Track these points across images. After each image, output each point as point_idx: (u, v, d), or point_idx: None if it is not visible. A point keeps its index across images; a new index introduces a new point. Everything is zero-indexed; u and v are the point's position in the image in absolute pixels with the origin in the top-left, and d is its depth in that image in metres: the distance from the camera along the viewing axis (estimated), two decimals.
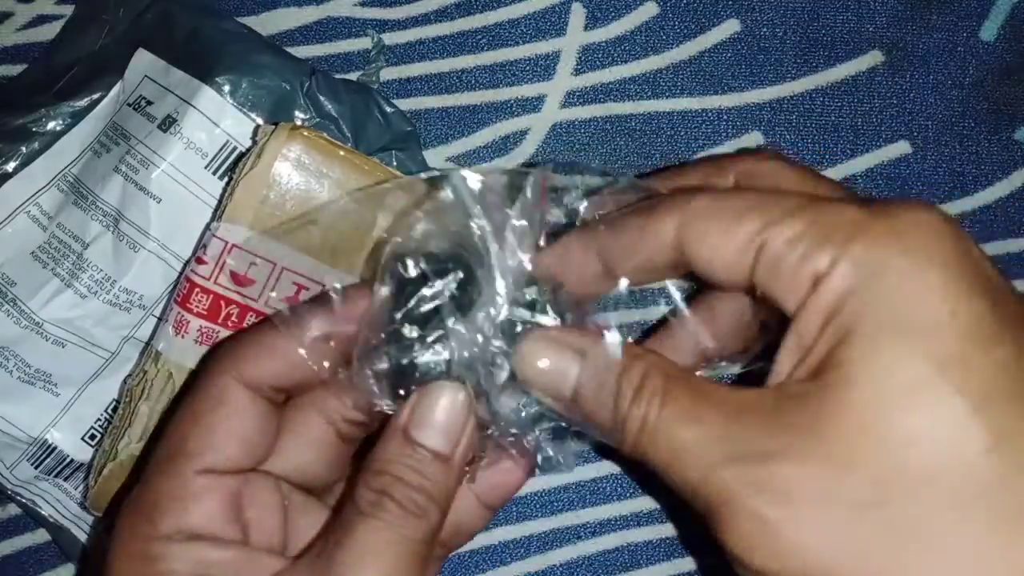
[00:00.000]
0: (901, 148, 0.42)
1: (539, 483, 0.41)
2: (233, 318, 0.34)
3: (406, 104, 0.42)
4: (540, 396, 0.27)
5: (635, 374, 0.25)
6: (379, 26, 0.42)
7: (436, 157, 0.42)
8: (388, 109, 0.39)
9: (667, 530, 0.41)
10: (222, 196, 0.35)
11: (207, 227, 0.35)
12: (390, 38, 0.42)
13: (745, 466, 0.22)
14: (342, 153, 0.34)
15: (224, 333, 0.34)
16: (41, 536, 0.41)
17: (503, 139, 0.42)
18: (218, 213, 0.34)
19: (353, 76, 0.41)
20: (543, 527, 0.41)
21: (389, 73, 0.42)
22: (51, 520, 0.39)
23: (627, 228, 0.27)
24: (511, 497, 0.31)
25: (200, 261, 0.33)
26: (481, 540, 0.41)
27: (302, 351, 0.28)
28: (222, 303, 0.34)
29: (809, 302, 0.23)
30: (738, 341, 0.30)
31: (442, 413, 0.27)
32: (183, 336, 0.34)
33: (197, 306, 0.33)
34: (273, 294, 0.34)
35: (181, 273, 0.36)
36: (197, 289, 0.33)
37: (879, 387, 0.21)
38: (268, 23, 0.42)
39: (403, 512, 0.25)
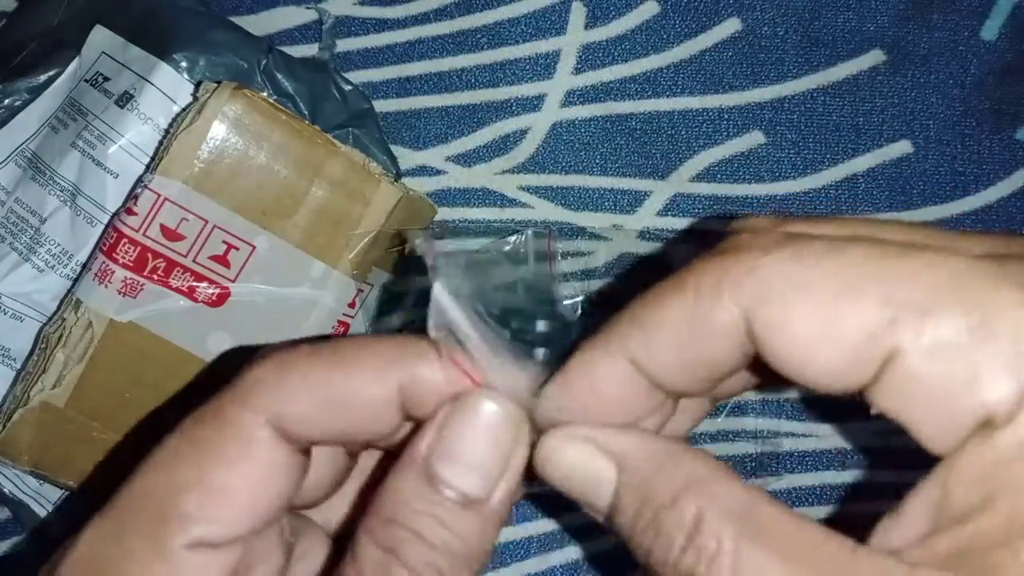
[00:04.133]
0: (903, 147, 0.41)
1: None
2: (159, 272, 0.34)
3: (405, 103, 0.41)
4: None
5: (687, 510, 0.17)
6: (378, 25, 0.42)
7: (436, 156, 0.42)
8: (345, 87, 0.39)
9: None
10: (158, 149, 0.35)
11: (139, 179, 0.35)
12: (390, 37, 0.42)
13: None
14: (283, 117, 0.34)
15: (149, 286, 0.34)
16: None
17: (503, 138, 0.42)
18: (152, 165, 0.34)
19: (353, 75, 0.41)
20: (543, 528, 0.41)
21: (389, 72, 0.42)
22: (11, 496, 0.39)
23: (664, 318, 0.18)
24: None
25: (130, 212, 0.33)
26: None
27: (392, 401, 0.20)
28: (149, 256, 0.34)
29: (971, 453, 0.15)
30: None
31: (480, 439, 0.20)
32: (106, 286, 0.34)
33: (123, 257, 0.33)
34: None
35: (108, 224, 0.36)
36: (125, 239, 0.33)
37: None
38: (267, 22, 0.41)
39: None
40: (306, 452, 0.21)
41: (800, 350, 0.16)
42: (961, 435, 0.15)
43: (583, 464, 0.19)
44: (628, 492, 0.19)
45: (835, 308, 0.16)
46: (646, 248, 0.41)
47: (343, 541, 0.22)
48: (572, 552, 0.41)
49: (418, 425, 0.21)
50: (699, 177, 0.41)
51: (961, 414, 0.15)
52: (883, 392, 0.16)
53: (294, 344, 0.21)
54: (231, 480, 0.19)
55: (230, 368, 0.21)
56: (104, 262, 0.34)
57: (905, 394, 0.16)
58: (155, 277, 0.34)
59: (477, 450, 0.20)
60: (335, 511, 0.24)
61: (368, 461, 0.25)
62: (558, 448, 0.19)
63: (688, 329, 0.18)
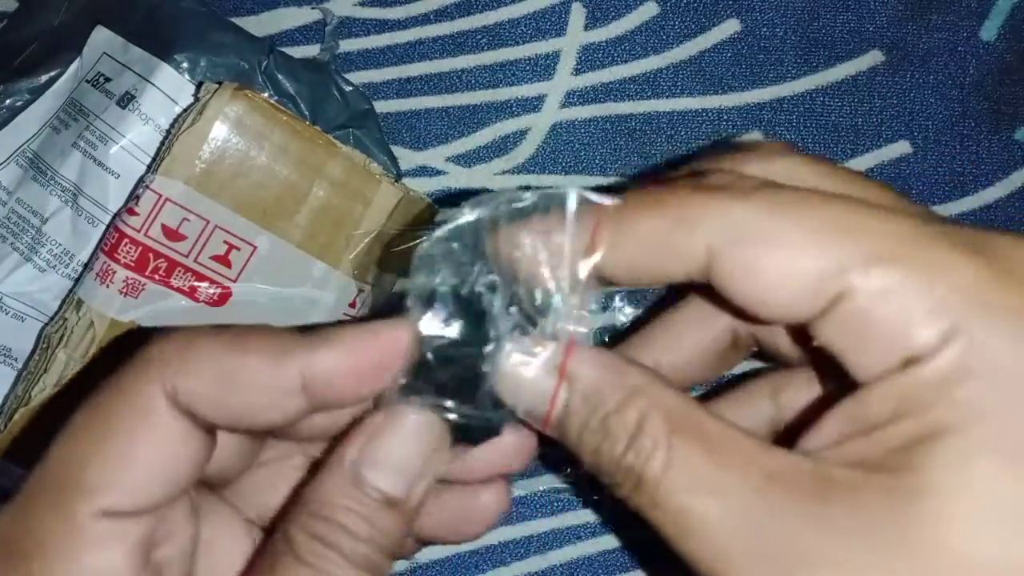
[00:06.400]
0: (901, 148, 0.42)
1: (539, 483, 0.41)
2: (161, 272, 0.34)
3: (406, 104, 0.42)
4: (524, 418, 0.22)
5: (630, 414, 0.20)
6: (379, 26, 0.42)
7: (436, 157, 0.42)
8: (346, 87, 0.39)
9: None
10: (159, 149, 0.35)
11: (141, 179, 0.35)
12: (390, 38, 0.42)
13: (774, 569, 0.18)
14: (284, 118, 0.34)
15: (150, 286, 0.34)
16: None
17: (503, 139, 0.42)
18: (153, 166, 0.34)
19: (354, 76, 0.41)
20: (543, 527, 0.41)
21: (389, 73, 0.42)
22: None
23: (638, 229, 0.21)
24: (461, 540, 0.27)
25: (131, 212, 0.34)
26: (481, 540, 0.41)
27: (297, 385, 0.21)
28: (151, 256, 0.34)
29: (892, 379, 0.18)
30: (706, 368, 0.26)
31: (403, 448, 0.22)
32: (108, 285, 0.34)
33: (125, 257, 0.34)
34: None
35: (110, 224, 0.36)
36: (126, 240, 0.33)
37: (982, 513, 0.17)
38: (268, 23, 0.42)
39: (351, 568, 0.21)
40: (211, 432, 0.22)
41: (760, 289, 0.19)
42: (887, 367, 0.18)
43: (538, 381, 0.22)
44: (578, 402, 0.21)
45: (797, 254, 0.19)
46: None
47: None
48: (572, 551, 0.41)
49: (346, 431, 0.22)
50: None
51: (890, 350, 0.18)
52: (826, 325, 0.19)
53: (197, 327, 0.22)
54: (132, 449, 0.20)
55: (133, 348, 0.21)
56: (105, 262, 0.34)
57: (845, 328, 0.19)
58: (156, 277, 0.34)
59: (401, 456, 0.22)
60: (266, 503, 0.25)
61: (299, 459, 0.26)
62: (512, 363, 0.22)
63: (655, 246, 0.20)
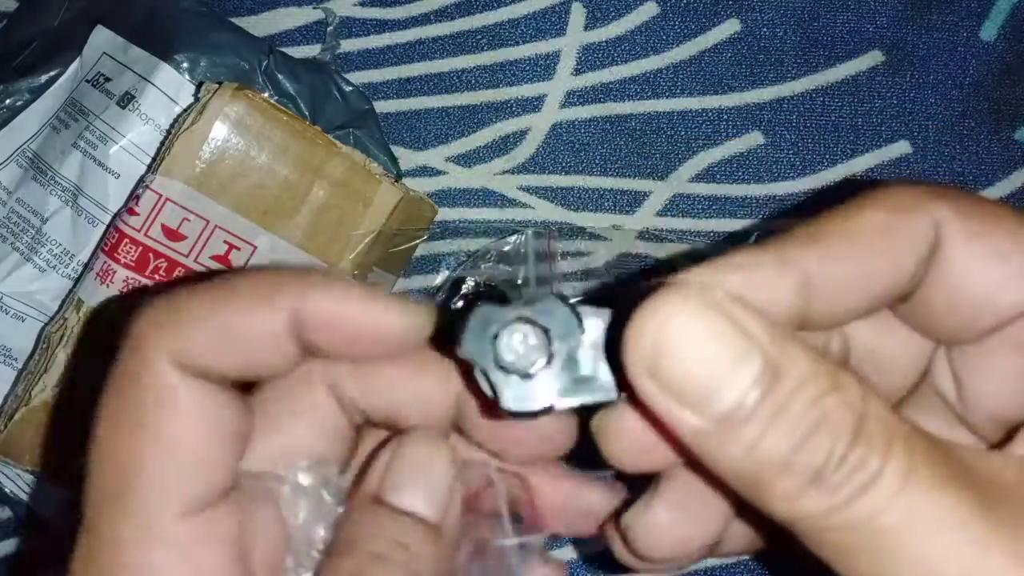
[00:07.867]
0: (901, 148, 0.41)
1: None
2: (161, 272, 0.34)
3: (406, 104, 0.42)
4: (664, 404, 0.17)
5: (878, 426, 0.16)
6: (379, 26, 0.42)
7: (436, 157, 0.42)
8: (346, 87, 0.39)
9: None
10: (159, 149, 0.35)
11: (141, 179, 0.35)
12: (390, 38, 0.42)
13: None
14: (285, 118, 0.34)
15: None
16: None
17: (503, 139, 0.42)
18: (154, 166, 0.34)
19: (354, 76, 0.41)
20: None
21: (389, 73, 0.42)
22: (12, 496, 0.39)
23: (856, 229, 0.19)
24: None
25: (132, 212, 0.34)
26: None
27: (279, 329, 0.19)
28: (151, 256, 0.34)
29: None
30: None
31: (421, 470, 0.20)
32: (108, 285, 0.34)
33: (125, 256, 0.34)
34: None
35: (110, 224, 0.36)
36: (126, 240, 0.33)
37: None
38: (268, 23, 0.42)
39: None
40: (242, 388, 0.20)
41: (995, 255, 0.18)
42: None
43: (724, 346, 0.16)
44: (774, 396, 0.16)
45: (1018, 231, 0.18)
46: (646, 248, 0.41)
47: None
48: (571, 552, 0.41)
49: (370, 457, 0.21)
50: (698, 178, 0.41)
51: None
52: None
53: (182, 283, 0.20)
54: (174, 442, 0.18)
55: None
56: (106, 262, 0.34)
57: None
58: (157, 277, 0.34)
59: (422, 478, 0.20)
60: None
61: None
62: (695, 321, 0.17)
63: (880, 239, 0.19)
